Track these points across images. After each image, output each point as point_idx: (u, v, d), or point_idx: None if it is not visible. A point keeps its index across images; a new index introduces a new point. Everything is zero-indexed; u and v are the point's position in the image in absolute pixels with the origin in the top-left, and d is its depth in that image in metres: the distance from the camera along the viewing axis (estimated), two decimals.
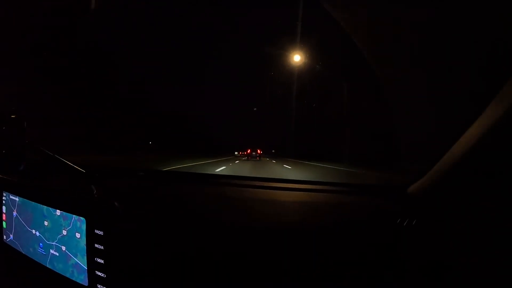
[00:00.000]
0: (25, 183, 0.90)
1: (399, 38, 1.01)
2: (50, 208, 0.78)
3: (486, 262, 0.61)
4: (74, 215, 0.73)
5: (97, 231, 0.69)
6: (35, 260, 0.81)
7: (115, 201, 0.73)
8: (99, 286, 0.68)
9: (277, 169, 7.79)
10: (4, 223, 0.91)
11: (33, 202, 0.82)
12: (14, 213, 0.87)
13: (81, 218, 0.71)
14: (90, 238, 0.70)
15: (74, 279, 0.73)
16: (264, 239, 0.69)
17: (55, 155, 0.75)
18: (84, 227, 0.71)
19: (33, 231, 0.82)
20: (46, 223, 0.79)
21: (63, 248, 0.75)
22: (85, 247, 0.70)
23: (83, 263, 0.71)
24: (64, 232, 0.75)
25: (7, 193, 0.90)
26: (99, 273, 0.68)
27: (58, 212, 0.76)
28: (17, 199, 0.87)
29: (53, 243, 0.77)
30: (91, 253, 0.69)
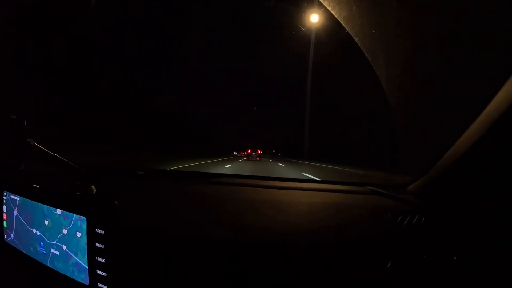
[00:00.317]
0: (25, 183, 0.90)
1: (399, 39, 1.01)
2: (50, 207, 0.78)
3: (486, 261, 0.61)
4: (74, 214, 0.73)
5: (97, 230, 0.69)
6: (36, 259, 0.82)
7: (115, 200, 0.73)
8: (99, 285, 0.68)
9: (274, 167, 9.67)
10: (4, 223, 0.91)
11: (34, 202, 0.82)
12: (15, 212, 0.88)
13: (82, 217, 0.72)
14: (91, 237, 0.70)
15: (74, 278, 0.73)
16: (267, 240, 0.68)
17: (56, 155, 0.75)
18: (84, 226, 0.71)
19: (34, 230, 0.82)
20: (46, 222, 0.79)
21: (64, 247, 0.75)
22: (86, 246, 0.70)
23: (83, 262, 0.71)
24: (65, 231, 0.75)
25: (7, 192, 0.90)
26: (100, 272, 0.68)
27: (58, 211, 0.76)
28: (17, 198, 0.87)
29: (54, 242, 0.77)
30: (91, 252, 0.70)
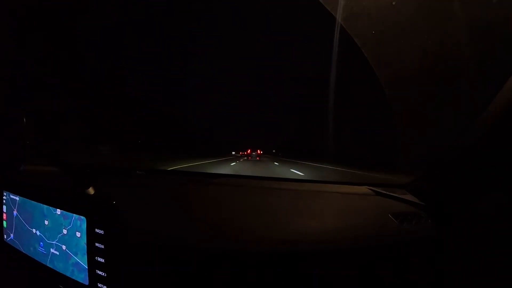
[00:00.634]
0: (25, 183, 0.90)
1: (399, 40, 1.01)
2: (50, 207, 0.78)
3: (486, 261, 0.61)
4: (74, 214, 0.73)
5: (97, 230, 0.69)
6: (36, 259, 0.82)
7: (115, 200, 0.73)
8: (99, 285, 0.68)
9: (269, 165, 10.50)
10: (4, 223, 0.91)
11: (34, 201, 0.82)
12: (15, 212, 0.88)
13: (82, 217, 0.71)
14: (91, 237, 0.70)
15: (74, 278, 0.73)
16: (267, 247, 0.68)
17: (55, 154, 0.75)
18: (84, 226, 0.71)
19: (34, 230, 0.82)
20: (46, 222, 0.79)
21: (64, 247, 0.75)
22: (86, 246, 0.70)
23: (83, 262, 0.71)
24: (65, 231, 0.75)
25: (7, 192, 0.90)
26: (100, 272, 0.68)
27: (58, 211, 0.76)
28: (17, 198, 0.87)
29: (54, 242, 0.77)
30: (91, 252, 0.69)
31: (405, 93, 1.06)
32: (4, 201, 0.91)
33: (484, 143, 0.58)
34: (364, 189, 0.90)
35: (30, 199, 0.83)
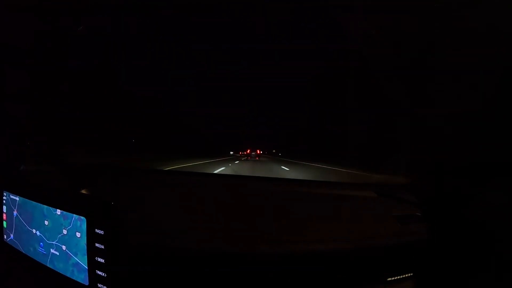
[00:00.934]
0: (25, 183, 0.90)
1: (398, 42, 1.01)
2: (50, 207, 0.78)
3: (485, 261, 0.61)
4: (74, 215, 0.73)
5: (97, 231, 0.69)
6: (36, 259, 0.81)
7: (115, 201, 0.73)
8: (99, 285, 0.68)
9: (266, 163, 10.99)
10: (4, 223, 0.91)
11: (34, 202, 0.82)
12: (15, 212, 0.88)
13: (82, 217, 0.71)
14: (91, 237, 0.70)
15: (74, 278, 0.73)
16: (269, 251, 0.68)
17: (56, 154, 0.75)
18: (84, 226, 0.71)
19: (34, 230, 0.82)
20: (46, 222, 0.79)
21: (64, 247, 0.75)
22: (86, 246, 0.70)
23: (83, 262, 0.71)
24: (65, 232, 0.75)
25: (7, 192, 0.90)
26: (100, 273, 0.68)
27: (58, 211, 0.76)
28: (17, 198, 0.87)
29: (54, 243, 0.77)
30: (91, 252, 0.69)
31: (405, 93, 1.06)
32: (4, 201, 0.91)
33: (483, 143, 0.58)
34: (364, 189, 0.90)
35: (30, 199, 0.83)
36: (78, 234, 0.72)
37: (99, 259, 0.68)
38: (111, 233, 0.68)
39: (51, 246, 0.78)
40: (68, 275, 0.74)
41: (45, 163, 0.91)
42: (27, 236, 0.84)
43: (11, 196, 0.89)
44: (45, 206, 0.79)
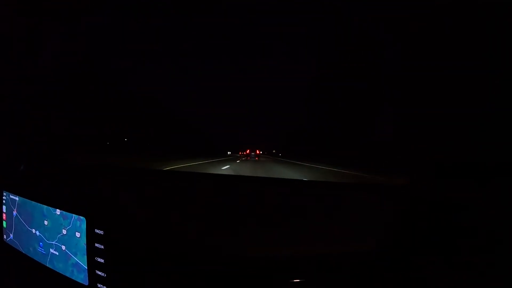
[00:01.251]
0: (25, 183, 0.90)
1: (398, 41, 1.01)
2: (50, 207, 0.78)
3: (486, 261, 0.61)
4: (74, 215, 0.73)
5: (97, 231, 0.69)
6: (35, 259, 0.81)
7: (115, 200, 0.73)
8: (99, 285, 0.68)
9: (265, 162, 10.56)
10: (4, 223, 0.91)
11: (33, 202, 0.82)
12: (14, 212, 0.88)
13: (81, 217, 0.71)
14: (90, 237, 0.70)
15: (74, 278, 0.73)
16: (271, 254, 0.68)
17: (55, 154, 0.75)
18: (84, 226, 0.71)
19: (33, 230, 0.82)
20: (46, 222, 0.79)
21: (63, 247, 0.75)
22: (85, 246, 0.70)
23: (83, 262, 0.71)
24: (64, 232, 0.75)
25: (7, 192, 0.90)
26: (99, 273, 0.68)
27: (58, 211, 0.76)
28: (17, 198, 0.87)
29: (53, 243, 0.77)
30: (91, 252, 0.69)
31: (405, 93, 1.06)
32: (4, 201, 0.91)
33: (483, 143, 0.58)
34: (364, 190, 0.90)
35: (30, 199, 0.83)
36: (77, 234, 0.72)
37: (99, 259, 0.68)
38: (110, 233, 0.68)
39: (51, 246, 0.78)
40: (67, 275, 0.74)
41: (45, 163, 0.91)
42: (27, 236, 0.84)
43: (11, 196, 0.89)
44: (45, 206, 0.79)
